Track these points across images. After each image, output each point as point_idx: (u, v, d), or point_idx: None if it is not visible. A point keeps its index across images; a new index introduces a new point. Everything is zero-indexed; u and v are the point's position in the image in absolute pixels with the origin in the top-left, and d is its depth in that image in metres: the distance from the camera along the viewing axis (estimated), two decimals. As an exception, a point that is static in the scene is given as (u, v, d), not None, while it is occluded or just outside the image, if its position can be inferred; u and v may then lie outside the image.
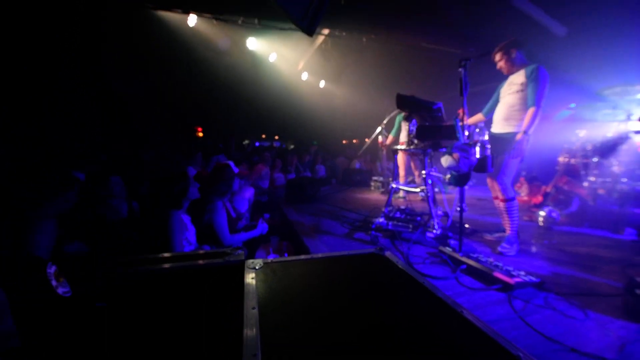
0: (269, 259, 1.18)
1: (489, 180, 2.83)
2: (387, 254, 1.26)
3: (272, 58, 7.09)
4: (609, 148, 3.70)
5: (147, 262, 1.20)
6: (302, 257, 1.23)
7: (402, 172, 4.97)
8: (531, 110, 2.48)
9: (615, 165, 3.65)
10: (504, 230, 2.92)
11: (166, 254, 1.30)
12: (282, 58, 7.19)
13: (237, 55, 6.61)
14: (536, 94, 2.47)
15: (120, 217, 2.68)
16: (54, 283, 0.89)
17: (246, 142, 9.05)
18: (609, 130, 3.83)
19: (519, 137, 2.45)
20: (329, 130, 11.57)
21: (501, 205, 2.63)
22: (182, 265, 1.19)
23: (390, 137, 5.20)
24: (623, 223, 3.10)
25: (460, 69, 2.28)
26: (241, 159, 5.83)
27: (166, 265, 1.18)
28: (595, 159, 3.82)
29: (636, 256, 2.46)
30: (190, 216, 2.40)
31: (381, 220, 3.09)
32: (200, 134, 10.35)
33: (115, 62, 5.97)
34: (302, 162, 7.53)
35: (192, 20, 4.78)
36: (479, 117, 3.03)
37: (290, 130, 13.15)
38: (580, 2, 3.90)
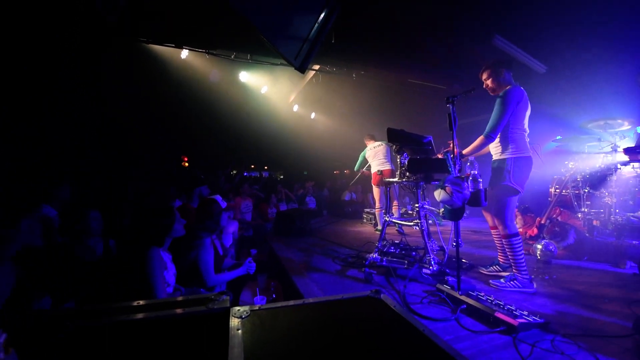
0: (257, 306, 1.08)
1: (483, 211, 2.75)
2: (383, 297, 1.17)
3: (264, 90, 7.24)
4: (598, 179, 3.73)
5: (119, 312, 1.04)
6: (293, 302, 1.13)
7: (394, 203, 4.91)
8: (479, 139, 2.48)
9: (607, 196, 3.65)
10: (498, 264, 2.80)
11: (141, 302, 1.13)
12: (274, 91, 7.36)
13: (229, 87, 6.73)
14: (490, 122, 2.44)
15: (95, 257, 2.46)
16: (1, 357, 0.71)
17: (234, 172, 8.96)
18: (597, 161, 3.89)
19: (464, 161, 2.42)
20: (319, 161, 11.63)
21: (504, 241, 2.51)
22: (159, 315, 1.03)
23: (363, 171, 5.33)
24: (622, 256, 3.01)
25: (448, 105, 2.30)
26: (229, 190, 5.67)
27: (140, 315, 1.03)
28: (586, 190, 3.83)
29: (639, 291, 2.35)
30: (171, 254, 2.21)
31: (375, 256, 2.93)
32: (186, 164, 10.21)
33: (106, 92, 5.98)
34: (293, 193, 7.42)
35: (184, 53, 4.88)
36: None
37: (280, 160, 13.18)
38: (557, 41, 4.14)
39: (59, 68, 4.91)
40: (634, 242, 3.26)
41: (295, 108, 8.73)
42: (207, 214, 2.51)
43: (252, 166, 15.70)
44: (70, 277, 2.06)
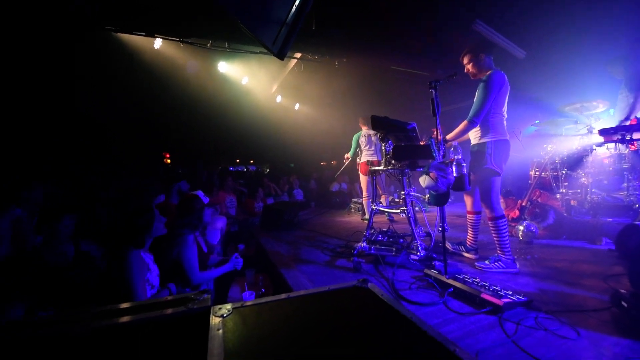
0: (239, 303, 1.03)
1: (465, 196, 2.80)
2: (370, 285, 1.15)
3: (245, 81, 7.02)
4: (575, 160, 3.84)
5: (94, 317, 0.97)
6: (277, 297, 1.10)
7: (380, 190, 4.92)
8: (463, 124, 2.50)
9: (583, 176, 3.78)
10: (464, 244, 2.89)
11: (119, 306, 1.06)
12: (255, 81, 7.13)
13: (207, 78, 6.47)
14: (474, 107, 2.47)
15: (67, 262, 2.33)
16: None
17: (219, 167, 8.77)
18: (574, 143, 4.00)
19: (448, 146, 2.45)
20: (306, 152, 11.52)
21: (490, 223, 2.55)
22: (133, 319, 0.97)
23: (347, 156, 5.17)
24: (598, 233, 3.13)
25: (431, 90, 2.27)
26: (212, 186, 5.53)
27: (114, 320, 0.96)
28: (564, 172, 3.94)
29: (614, 266, 2.45)
30: (154, 254, 2.12)
31: (363, 244, 2.93)
32: (168, 161, 9.89)
33: (77, 85, 5.63)
34: (279, 187, 7.34)
35: (157, 43, 4.61)
36: None
37: (265, 153, 12.98)
38: (536, 27, 4.19)
39: (26, 61, 4.57)
40: (608, 219, 3.40)
41: (279, 99, 8.54)
42: (189, 210, 2.42)
43: (237, 160, 15.43)
44: (41, 284, 1.94)
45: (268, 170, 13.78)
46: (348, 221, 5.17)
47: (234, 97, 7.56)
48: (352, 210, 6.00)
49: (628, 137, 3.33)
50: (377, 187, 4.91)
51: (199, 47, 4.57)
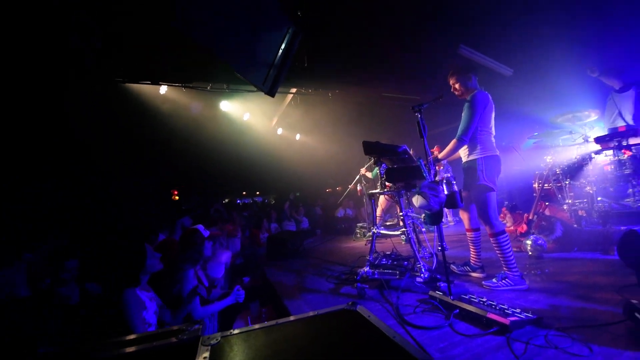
0: (228, 332, 1.04)
1: (461, 213, 2.80)
2: (359, 308, 1.15)
3: (246, 117, 7.36)
4: (576, 170, 3.81)
5: (81, 353, 1.01)
6: (266, 323, 1.11)
7: (379, 213, 4.90)
8: (452, 142, 2.58)
9: (587, 185, 3.72)
10: (469, 264, 2.82)
11: (109, 340, 1.09)
12: (256, 116, 7.48)
13: (211, 117, 6.81)
14: (461, 126, 2.55)
15: (72, 304, 2.36)
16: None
17: (226, 200, 8.89)
18: (572, 153, 3.99)
19: (438, 167, 2.48)
20: (310, 181, 11.65)
21: (492, 240, 2.51)
22: (122, 352, 0.99)
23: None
24: (611, 242, 3.02)
25: (416, 114, 2.37)
26: (218, 220, 5.60)
27: (104, 355, 0.99)
28: (567, 182, 3.89)
29: (629, 276, 2.34)
30: (154, 290, 2.14)
31: (367, 269, 2.88)
32: (176, 197, 10.09)
33: (90, 135, 5.98)
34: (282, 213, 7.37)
35: (162, 89, 4.97)
36: None
37: (271, 184, 13.15)
38: (522, 45, 4.37)
39: (41, 113, 4.92)
40: (621, 227, 3.28)
41: (280, 131, 8.86)
42: (189, 245, 2.46)
43: (244, 193, 15.62)
44: (48, 325, 1.97)
45: (274, 201, 13.88)
46: (353, 247, 5.10)
47: (237, 133, 7.88)
48: (358, 235, 5.93)
49: (624, 143, 3.32)
50: (379, 207, 4.92)
51: (200, 89, 4.90)
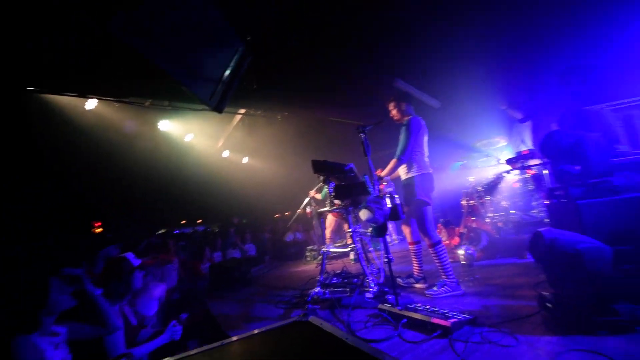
0: (183, 354, 1.00)
1: (403, 227, 2.99)
2: (311, 318, 1.13)
3: (188, 138, 6.94)
4: (492, 187, 4.42)
5: None
6: (223, 342, 1.04)
7: (328, 234, 4.94)
8: (392, 162, 2.84)
9: (503, 200, 4.31)
10: (412, 276, 3.00)
11: None
12: (200, 137, 7.10)
13: (147, 137, 6.25)
14: (399, 147, 2.83)
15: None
16: None
17: (162, 231, 8.03)
18: (489, 173, 4.64)
19: (381, 187, 2.72)
20: (257, 206, 11.28)
21: (430, 250, 2.70)
22: None
23: (317, 196, 5.24)
24: (523, 248, 3.48)
25: (360, 134, 2.56)
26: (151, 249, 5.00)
27: None
28: (487, 198, 4.47)
29: (541, 274, 2.71)
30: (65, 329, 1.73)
31: (317, 290, 2.84)
32: (98, 230, 8.72)
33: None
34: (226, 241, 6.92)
35: (91, 104, 4.41)
36: None
37: (214, 211, 12.36)
38: (447, 82, 5.09)
39: None
40: (530, 235, 3.84)
41: (226, 154, 8.51)
42: (114, 275, 2.11)
43: (183, 222, 14.36)
44: None
45: (217, 230, 13.02)
46: (304, 270, 4.99)
47: (177, 155, 7.34)
48: (308, 258, 5.84)
49: (527, 164, 3.99)
50: (345, 227, 4.96)
51: (137, 105, 4.50)
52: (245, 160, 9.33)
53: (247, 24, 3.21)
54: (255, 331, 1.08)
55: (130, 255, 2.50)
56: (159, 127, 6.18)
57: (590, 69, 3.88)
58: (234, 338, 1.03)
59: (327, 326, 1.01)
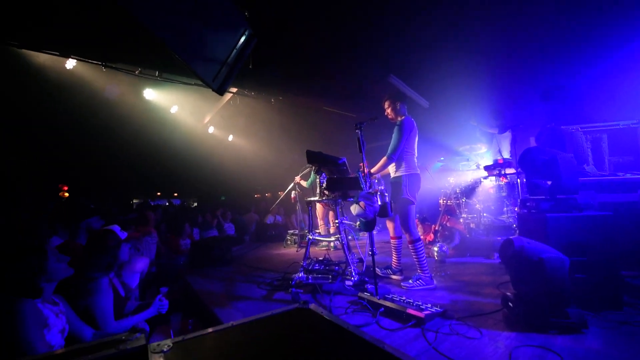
0: (180, 337, 0.96)
1: (387, 222, 3.17)
2: (312, 306, 1.18)
3: (174, 110, 6.67)
4: (469, 190, 4.71)
5: None
6: (220, 327, 1.06)
7: (320, 221, 5.08)
8: (383, 159, 2.98)
9: (477, 203, 4.63)
10: (390, 268, 3.22)
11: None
12: (186, 111, 6.84)
13: (129, 104, 5.93)
14: (391, 146, 2.96)
15: None
16: None
17: (135, 201, 7.77)
18: (468, 177, 4.93)
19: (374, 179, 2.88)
20: (238, 185, 11.19)
21: (410, 246, 2.89)
22: None
23: (302, 183, 5.31)
24: (492, 249, 3.82)
25: (357, 130, 2.66)
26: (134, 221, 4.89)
27: None
28: (463, 199, 4.77)
29: (504, 275, 3.01)
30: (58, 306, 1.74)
31: (301, 275, 2.96)
32: (65, 194, 8.28)
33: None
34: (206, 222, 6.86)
35: (70, 63, 4.09)
36: None
37: (193, 186, 12.11)
38: (437, 83, 5.23)
39: None
40: (498, 238, 4.19)
41: (211, 130, 8.29)
42: (100, 248, 2.10)
43: (158, 193, 13.95)
44: None
45: (195, 204, 12.80)
46: (285, 253, 5.11)
47: (160, 126, 7.05)
48: (289, 242, 5.97)
49: (503, 172, 4.28)
50: (330, 217, 5.10)
51: (126, 72, 4.25)
52: (230, 138, 9.14)
53: (249, 2, 3.12)
54: (258, 316, 1.16)
55: (116, 227, 2.48)
56: (144, 94, 5.88)
57: (570, 90, 4.17)
58: (246, 319, 1.09)
59: (327, 314, 1.11)
